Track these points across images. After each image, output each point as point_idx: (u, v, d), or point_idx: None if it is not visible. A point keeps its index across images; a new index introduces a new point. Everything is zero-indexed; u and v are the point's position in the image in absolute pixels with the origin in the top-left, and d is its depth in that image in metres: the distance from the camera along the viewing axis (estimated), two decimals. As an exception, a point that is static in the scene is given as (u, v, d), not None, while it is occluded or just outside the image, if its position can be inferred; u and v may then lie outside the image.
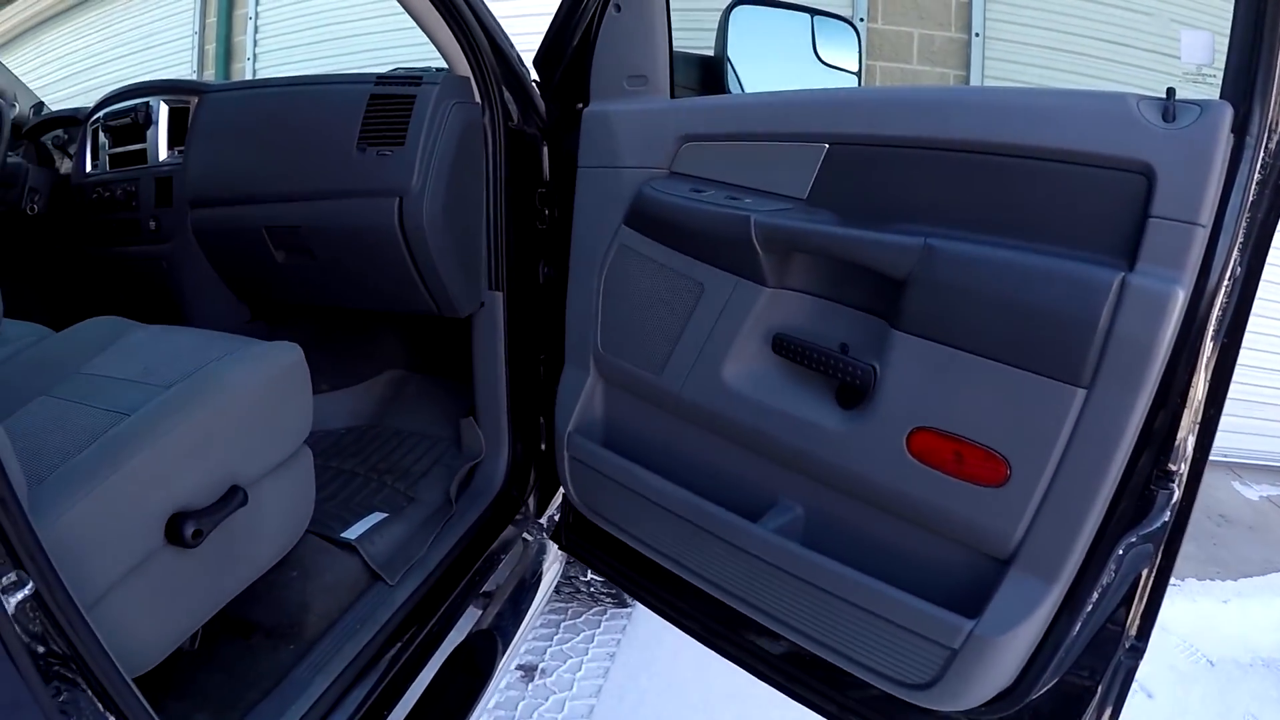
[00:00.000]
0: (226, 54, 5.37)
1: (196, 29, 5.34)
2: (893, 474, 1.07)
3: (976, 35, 3.81)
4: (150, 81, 2.00)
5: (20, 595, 0.74)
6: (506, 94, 1.64)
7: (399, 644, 1.45)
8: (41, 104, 2.32)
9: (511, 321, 1.71)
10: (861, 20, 3.81)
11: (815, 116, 1.21)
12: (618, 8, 1.45)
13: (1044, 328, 0.95)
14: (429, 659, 1.49)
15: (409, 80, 1.62)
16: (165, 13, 5.33)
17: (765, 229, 1.19)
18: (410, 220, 1.60)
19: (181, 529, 1.12)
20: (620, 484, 1.45)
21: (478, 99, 1.62)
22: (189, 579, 1.18)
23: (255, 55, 5.41)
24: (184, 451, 1.17)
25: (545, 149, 1.65)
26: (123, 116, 1.98)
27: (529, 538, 1.84)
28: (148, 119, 1.93)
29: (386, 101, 1.62)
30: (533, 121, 1.67)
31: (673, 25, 1.50)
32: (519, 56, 1.67)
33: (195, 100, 1.88)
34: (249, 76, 5.36)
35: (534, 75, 1.65)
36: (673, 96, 1.52)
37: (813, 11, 1.77)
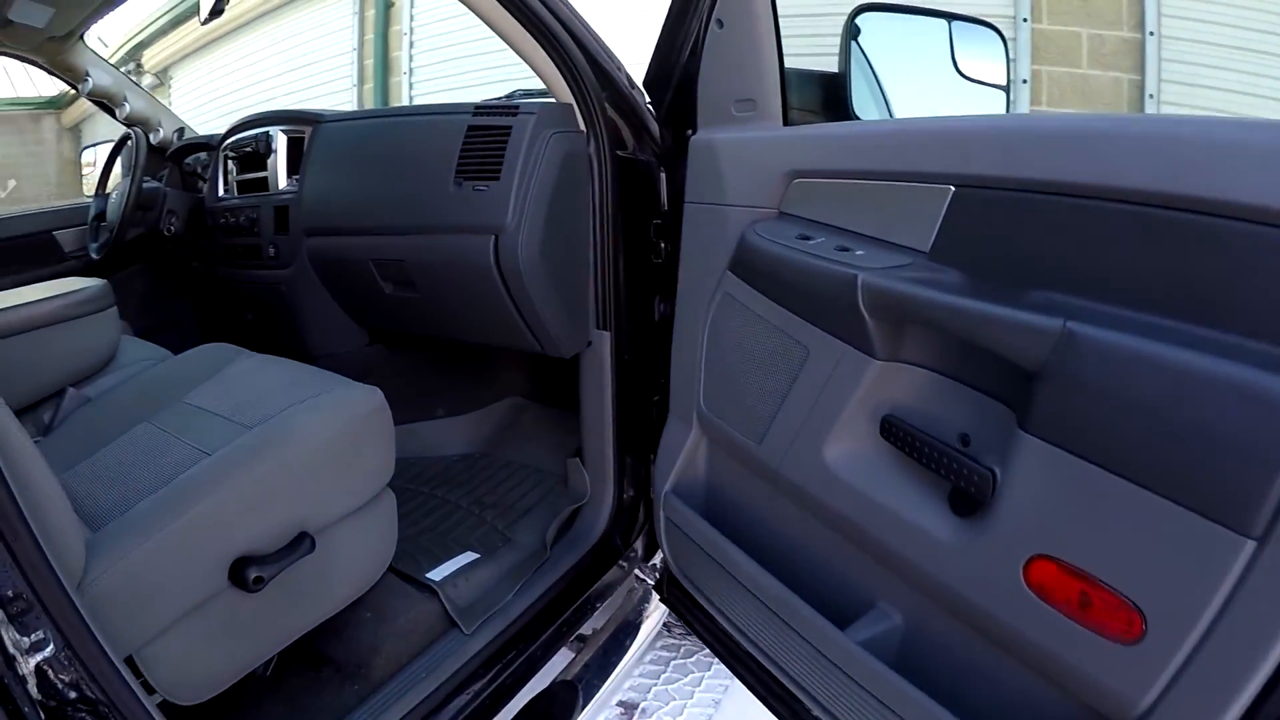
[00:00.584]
0: (384, 68, 5.63)
1: (355, 45, 5.62)
2: (1004, 604, 0.88)
3: (1151, 34, 3.39)
4: (271, 111, 2.05)
5: (41, 656, 0.75)
6: (617, 120, 1.53)
7: (466, 694, 1.39)
8: (183, 128, 2.45)
9: (621, 361, 1.60)
10: (1025, 21, 3.46)
11: (939, 150, 1.00)
12: (720, 23, 1.31)
13: (1208, 454, 0.71)
14: (498, 711, 1.43)
15: (506, 110, 1.55)
16: (327, 30, 5.65)
17: (873, 292, 1.01)
18: (506, 259, 1.53)
19: (244, 574, 1.13)
20: (711, 557, 1.33)
21: (581, 127, 1.52)
22: (251, 619, 1.19)
23: (411, 70, 5.64)
24: (252, 499, 1.17)
25: (663, 177, 1.53)
26: (246, 145, 2.04)
27: (641, 576, 1.75)
28: (268, 148, 1.98)
29: (483, 132, 1.55)
30: (648, 149, 1.55)
31: (784, 39, 1.33)
32: (630, 79, 1.55)
33: (310, 130, 1.91)
34: (406, 89, 5.60)
35: (648, 99, 1.55)
36: (786, 122, 1.36)
37: (950, 16, 1.52)
